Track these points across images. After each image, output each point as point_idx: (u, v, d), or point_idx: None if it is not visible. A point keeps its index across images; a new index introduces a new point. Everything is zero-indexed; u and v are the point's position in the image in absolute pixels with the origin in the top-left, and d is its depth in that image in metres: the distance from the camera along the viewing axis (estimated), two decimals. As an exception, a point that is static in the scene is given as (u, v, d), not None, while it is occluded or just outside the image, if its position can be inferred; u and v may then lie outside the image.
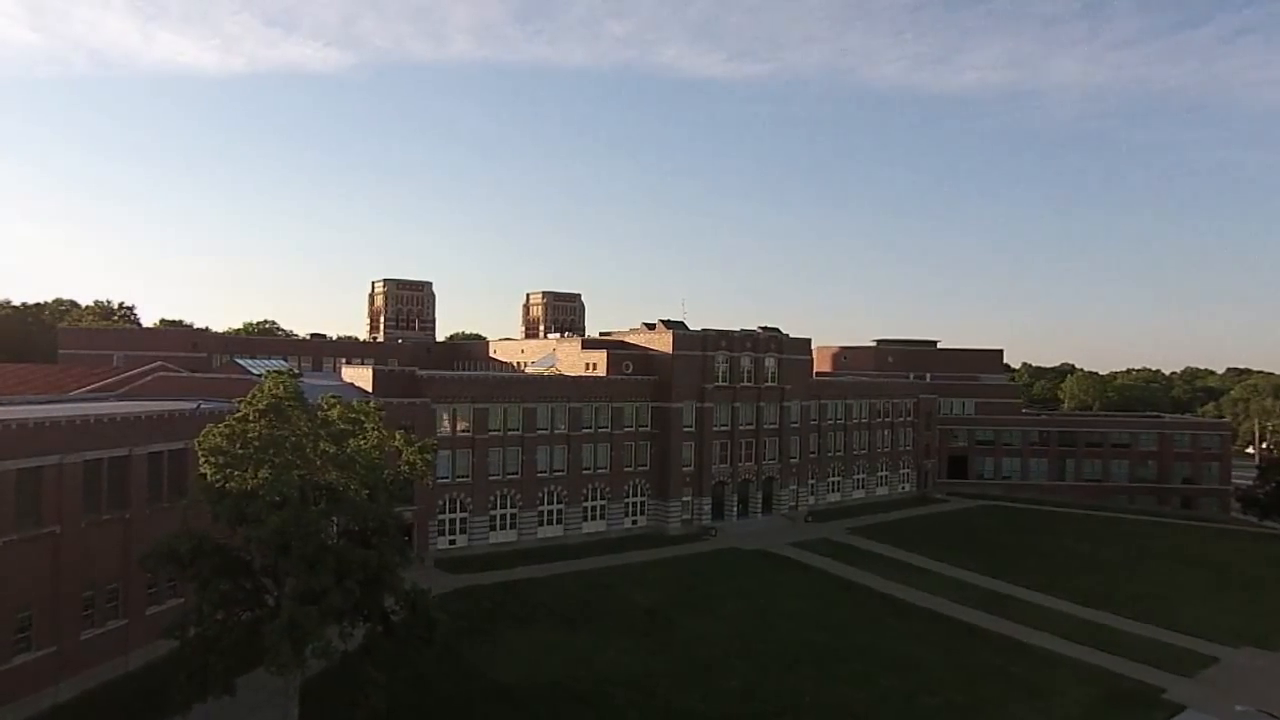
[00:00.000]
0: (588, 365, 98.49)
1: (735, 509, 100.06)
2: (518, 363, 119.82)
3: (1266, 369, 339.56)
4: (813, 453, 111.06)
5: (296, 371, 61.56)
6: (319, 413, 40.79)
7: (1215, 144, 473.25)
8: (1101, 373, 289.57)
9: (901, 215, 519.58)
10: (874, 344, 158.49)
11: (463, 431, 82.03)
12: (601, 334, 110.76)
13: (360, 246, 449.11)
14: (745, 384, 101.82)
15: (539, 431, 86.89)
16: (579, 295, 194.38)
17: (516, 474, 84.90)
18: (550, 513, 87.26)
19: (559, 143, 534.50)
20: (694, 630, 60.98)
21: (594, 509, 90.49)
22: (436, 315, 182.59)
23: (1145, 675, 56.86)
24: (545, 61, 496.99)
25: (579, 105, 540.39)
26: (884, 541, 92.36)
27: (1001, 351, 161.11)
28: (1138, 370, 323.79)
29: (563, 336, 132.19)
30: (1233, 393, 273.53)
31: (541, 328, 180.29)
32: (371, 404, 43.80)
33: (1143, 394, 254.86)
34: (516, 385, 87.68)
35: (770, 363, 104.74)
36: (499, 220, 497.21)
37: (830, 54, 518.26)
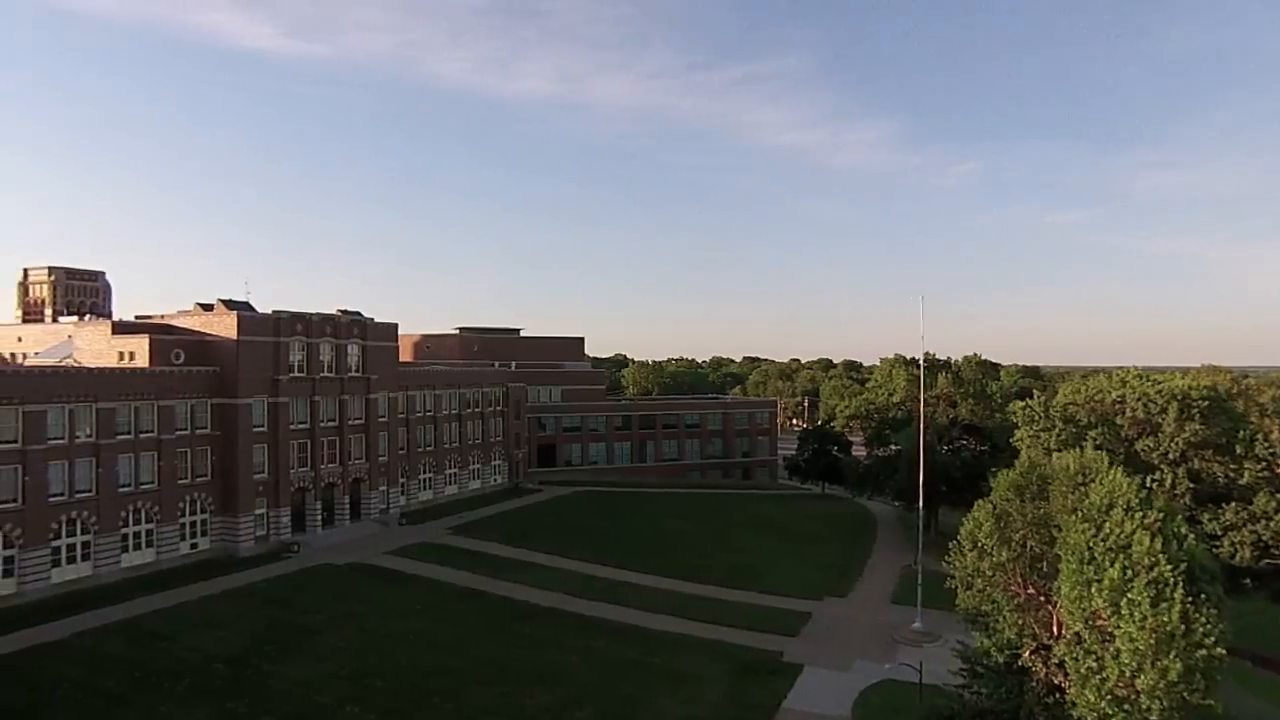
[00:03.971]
0: (123, 355, 77.64)
1: (320, 518, 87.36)
2: (14, 354, 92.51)
3: (771, 357, 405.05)
4: (402, 449, 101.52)
5: None
6: None
7: (723, 169, 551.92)
8: (649, 362, 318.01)
9: (472, 207, 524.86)
10: (457, 331, 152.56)
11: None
12: (139, 317, 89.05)
13: None
14: (326, 375, 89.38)
15: (51, 442, 65.85)
16: (102, 273, 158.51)
17: (15, 501, 63.27)
18: (72, 547, 66.68)
19: (80, 94, 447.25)
20: (292, 678, 48.73)
21: (138, 535, 71.29)
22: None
23: (762, 642, 58.44)
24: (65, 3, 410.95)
25: (98, 57, 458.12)
26: (488, 539, 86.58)
27: (583, 339, 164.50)
28: (677, 359, 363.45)
29: (83, 320, 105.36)
30: (751, 377, 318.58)
31: (49, 311, 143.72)
32: None
33: (687, 379, 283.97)
34: (10, 381, 65.44)
35: (354, 350, 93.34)
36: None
37: (392, 45, 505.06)
